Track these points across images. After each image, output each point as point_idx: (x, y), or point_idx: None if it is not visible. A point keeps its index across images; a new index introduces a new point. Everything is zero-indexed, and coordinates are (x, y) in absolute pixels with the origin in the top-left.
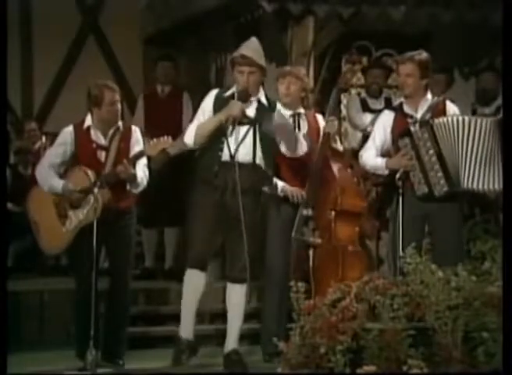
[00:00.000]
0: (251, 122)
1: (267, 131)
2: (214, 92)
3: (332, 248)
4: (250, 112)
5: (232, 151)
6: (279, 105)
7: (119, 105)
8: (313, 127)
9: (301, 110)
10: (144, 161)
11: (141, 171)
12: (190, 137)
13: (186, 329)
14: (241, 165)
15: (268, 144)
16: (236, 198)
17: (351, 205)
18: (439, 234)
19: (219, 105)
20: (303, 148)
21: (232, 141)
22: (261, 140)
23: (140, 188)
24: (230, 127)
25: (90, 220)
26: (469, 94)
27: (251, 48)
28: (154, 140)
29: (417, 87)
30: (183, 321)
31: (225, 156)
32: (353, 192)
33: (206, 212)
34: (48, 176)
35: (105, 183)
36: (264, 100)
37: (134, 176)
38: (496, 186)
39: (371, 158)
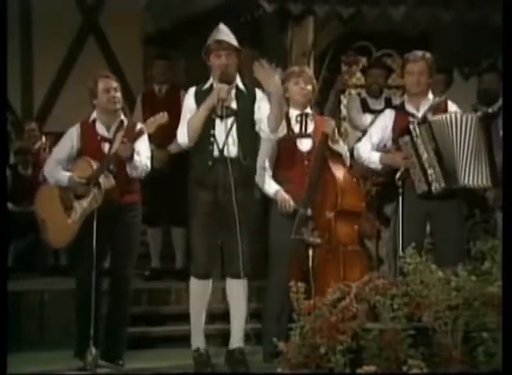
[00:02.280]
0: (234, 113)
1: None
2: (192, 90)
3: (331, 248)
4: (231, 101)
5: (221, 145)
6: (258, 92)
7: (117, 93)
8: (318, 127)
9: (309, 110)
10: (147, 152)
11: (143, 156)
12: (182, 135)
13: (199, 338)
14: (230, 159)
15: (252, 135)
16: (229, 195)
17: (351, 204)
18: (439, 234)
19: (200, 100)
20: (283, 129)
21: (219, 135)
22: (244, 132)
23: (139, 172)
24: (217, 121)
25: (94, 208)
26: (469, 94)
27: (223, 33)
28: (151, 118)
29: (425, 86)
30: (194, 331)
31: (215, 152)
32: (352, 192)
33: (202, 218)
34: (53, 170)
35: (108, 168)
36: (241, 86)
37: (132, 152)
38: (489, 181)
39: (366, 151)
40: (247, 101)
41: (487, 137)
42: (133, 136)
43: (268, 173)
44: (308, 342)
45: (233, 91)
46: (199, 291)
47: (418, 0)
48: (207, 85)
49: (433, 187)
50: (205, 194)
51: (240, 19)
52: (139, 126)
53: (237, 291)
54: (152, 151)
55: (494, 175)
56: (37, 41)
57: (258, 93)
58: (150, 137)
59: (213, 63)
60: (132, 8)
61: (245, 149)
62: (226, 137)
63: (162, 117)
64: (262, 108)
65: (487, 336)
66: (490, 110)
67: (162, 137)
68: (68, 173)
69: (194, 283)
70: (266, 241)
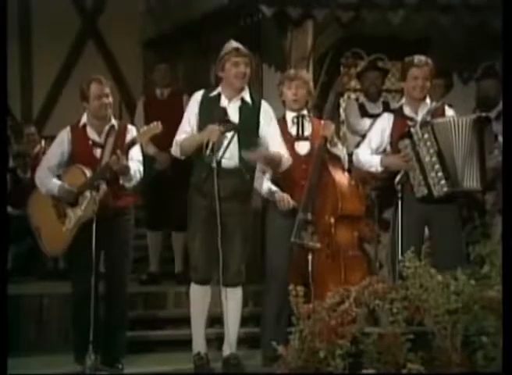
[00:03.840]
0: (235, 128)
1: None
2: (199, 94)
3: (331, 253)
4: (234, 112)
5: (218, 157)
6: (264, 104)
7: (109, 99)
8: (316, 130)
9: (305, 112)
10: (138, 157)
11: (135, 165)
12: (176, 149)
13: (200, 342)
14: (226, 170)
15: (253, 147)
16: (224, 204)
17: (351, 209)
18: (438, 238)
19: (205, 107)
20: (287, 162)
21: (218, 147)
22: (244, 144)
23: (133, 182)
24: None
25: (89, 217)
26: (468, 98)
27: (237, 43)
28: (145, 127)
29: (427, 91)
30: (195, 335)
31: (213, 163)
32: (352, 196)
33: (200, 223)
34: (45, 178)
35: (101, 178)
36: (247, 98)
37: (127, 168)
38: (479, 184)
39: (366, 155)
40: (250, 114)
41: (480, 140)
42: (123, 141)
43: (267, 176)
44: (307, 346)
45: (238, 104)
46: (199, 297)
47: (417, 4)
48: (214, 92)
49: (435, 191)
50: (203, 201)
51: (240, 23)
52: (130, 132)
53: (233, 300)
54: (155, 154)
55: (483, 178)
56: (36, 44)
57: (264, 105)
58: (153, 139)
59: (229, 73)
60: (131, 11)
61: (246, 162)
62: (225, 149)
63: (156, 127)
64: (267, 124)
65: (486, 340)
66: (484, 114)
67: (165, 140)
68: (58, 182)
69: (194, 288)
70: (263, 245)
